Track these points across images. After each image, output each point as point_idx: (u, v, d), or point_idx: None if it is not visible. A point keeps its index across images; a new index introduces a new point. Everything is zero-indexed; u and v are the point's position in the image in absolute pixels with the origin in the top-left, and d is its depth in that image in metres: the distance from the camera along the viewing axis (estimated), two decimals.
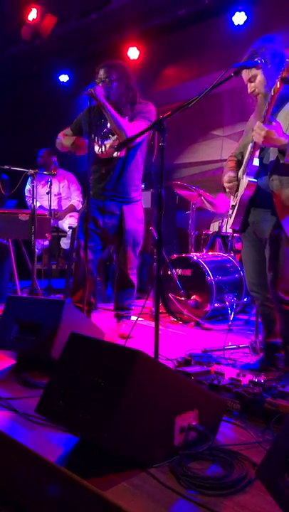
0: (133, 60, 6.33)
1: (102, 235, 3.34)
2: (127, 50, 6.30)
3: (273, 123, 2.19)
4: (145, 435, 1.50)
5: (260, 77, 2.32)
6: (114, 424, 1.43)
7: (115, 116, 3.09)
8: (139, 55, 6.32)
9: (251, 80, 2.36)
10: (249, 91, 2.41)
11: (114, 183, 3.28)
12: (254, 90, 2.37)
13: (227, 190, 2.59)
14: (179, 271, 4.04)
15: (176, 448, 1.57)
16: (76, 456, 1.59)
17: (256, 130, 2.21)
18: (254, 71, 2.33)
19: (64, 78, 7.27)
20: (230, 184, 2.54)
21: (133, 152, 3.26)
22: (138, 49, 6.30)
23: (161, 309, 4.04)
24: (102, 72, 3.17)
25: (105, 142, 3.27)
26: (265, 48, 2.31)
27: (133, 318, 3.42)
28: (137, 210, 3.37)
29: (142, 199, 3.47)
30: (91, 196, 3.21)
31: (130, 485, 1.42)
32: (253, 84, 2.36)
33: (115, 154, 3.24)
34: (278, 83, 2.12)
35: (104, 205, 3.30)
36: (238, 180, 2.53)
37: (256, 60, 2.31)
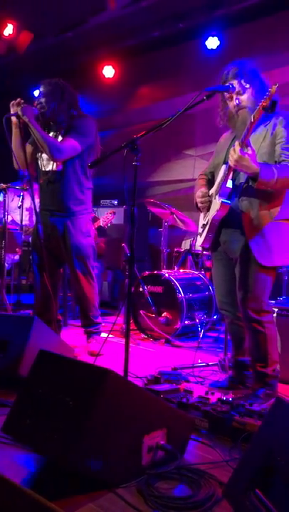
0: (108, 78, 6.42)
1: (51, 251, 3.30)
2: (103, 69, 6.39)
3: (249, 150, 2.21)
4: (113, 455, 1.49)
5: (250, 91, 2.37)
6: (81, 445, 1.41)
7: (41, 135, 3.04)
8: (115, 74, 6.41)
9: (240, 92, 2.38)
10: (234, 104, 2.41)
11: (54, 198, 3.24)
12: (241, 103, 2.39)
13: (200, 205, 2.62)
14: (151, 288, 4.06)
15: (143, 468, 1.56)
16: (42, 477, 1.56)
17: (232, 152, 2.24)
18: (245, 85, 2.37)
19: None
20: (204, 199, 2.57)
21: (71, 165, 3.20)
22: (113, 68, 6.39)
23: (132, 326, 4.04)
24: (40, 90, 3.20)
25: (43, 156, 3.25)
26: (246, 69, 2.38)
27: (103, 335, 3.40)
28: (82, 224, 3.30)
29: (89, 212, 3.38)
30: (40, 212, 3.23)
31: (97, 506, 1.40)
32: (241, 97, 2.38)
33: (54, 168, 3.21)
34: (258, 111, 2.16)
35: (49, 221, 3.27)
36: (210, 196, 2.57)
37: (228, 84, 2.38)
